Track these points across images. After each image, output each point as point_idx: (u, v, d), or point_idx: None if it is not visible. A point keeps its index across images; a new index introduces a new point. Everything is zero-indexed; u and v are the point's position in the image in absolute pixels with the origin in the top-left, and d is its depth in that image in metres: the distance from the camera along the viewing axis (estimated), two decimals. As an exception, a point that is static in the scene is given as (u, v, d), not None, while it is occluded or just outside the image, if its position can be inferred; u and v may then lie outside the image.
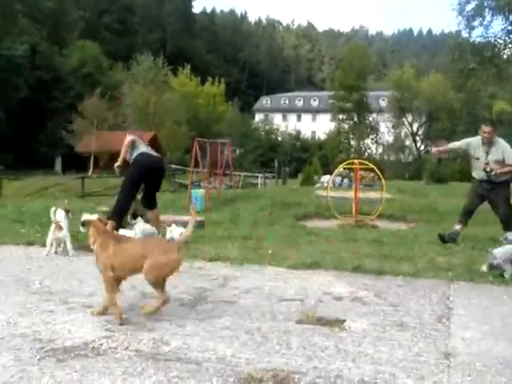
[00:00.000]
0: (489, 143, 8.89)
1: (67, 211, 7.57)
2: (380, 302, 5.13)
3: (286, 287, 5.62)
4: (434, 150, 10.28)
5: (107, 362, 3.51)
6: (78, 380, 3.23)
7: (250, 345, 3.87)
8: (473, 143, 9.23)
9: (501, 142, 8.97)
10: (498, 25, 18.26)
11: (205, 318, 4.45)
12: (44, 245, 7.59)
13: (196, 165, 19.36)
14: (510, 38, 18.17)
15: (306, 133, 79.26)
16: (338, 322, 4.42)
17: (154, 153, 8.78)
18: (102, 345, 3.81)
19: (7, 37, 58.56)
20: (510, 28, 17.87)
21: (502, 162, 8.77)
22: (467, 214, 9.26)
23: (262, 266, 6.54)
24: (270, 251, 7.25)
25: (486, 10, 17.81)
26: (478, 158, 9.06)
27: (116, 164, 8.65)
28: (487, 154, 8.89)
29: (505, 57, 18.91)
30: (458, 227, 9.09)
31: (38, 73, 63.98)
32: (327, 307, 4.87)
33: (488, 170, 8.82)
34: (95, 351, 3.70)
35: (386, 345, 3.93)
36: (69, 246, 7.31)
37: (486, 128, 8.87)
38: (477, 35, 18.70)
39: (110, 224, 6.64)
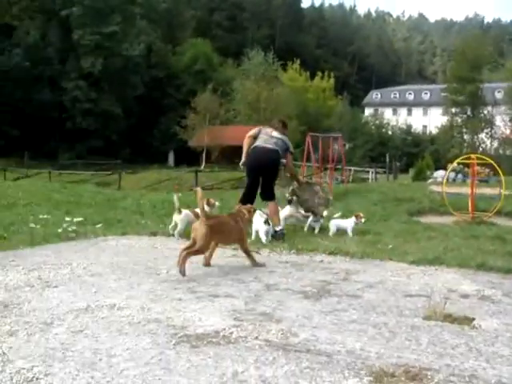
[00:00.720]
0: None
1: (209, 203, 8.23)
2: (510, 301, 4.94)
3: (410, 282, 5.55)
4: None
5: (239, 350, 3.61)
6: (213, 366, 3.34)
7: (378, 339, 3.85)
8: None
9: None
10: None
11: (331, 311, 4.47)
12: (169, 234, 8.05)
13: (308, 159, 19.44)
14: None
15: (417, 127, 77.40)
16: (468, 320, 4.31)
17: (268, 145, 8.80)
18: (232, 333, 3.92)
19: (126, 38, 61.27)
20: None
21: None
22: None
23: (383, 261, 6.48)
24: (390, 246, 7.17)
25: None
26: None
27: (240, 162, 8.91)
28: None
29: None
30: None
31: (153, 71, 66.56)
32: (454, 304, 4.76)
33: None
34: (226, 339, 3.81)
35: (522, 346, 3.79)
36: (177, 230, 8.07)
37: None
38: None
39: None
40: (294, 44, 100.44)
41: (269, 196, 8.70)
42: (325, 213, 9.09)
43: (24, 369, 3.28)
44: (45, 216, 10.58)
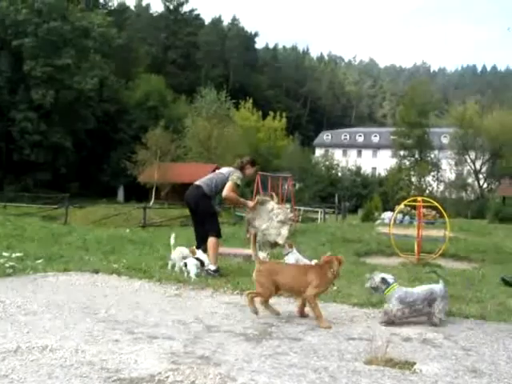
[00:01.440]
0: None
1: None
2: (451, 344, 4.94)
3: (353, 325, 5.50)
4: None
5: (174, 395, 3.48)
6: (146, 412, 3.21)
7: (317, 384, 3.77)
8: None
9: None
10: None
11: (271, 355, 4.37)
12: (108, 273, 7.80)
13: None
14: None
15: (367, 169, 78.70)
16: (408, 365, 4.27)
17: (196, 182, 8.85)
18: (168, 377, 3.77)
19: (79, 71, 60.88)
20: None
21: None
22: None
23: (326, 303, 6.42)
24: (334, 287, 7.12)
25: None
26: None
27: None
28: None
29: None
30: None
31: (106, 105, 66.16)
32: (396, 348, 4.72)
33: None
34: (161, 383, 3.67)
35: (460, 391, 3.77)
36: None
37: None
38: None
39: None
40: (247, 84, 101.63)
41: (207, 232, 8.57)
42: (285, 231, 8.55)
43: None
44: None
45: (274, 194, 9.22)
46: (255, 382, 3.73)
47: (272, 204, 8.66)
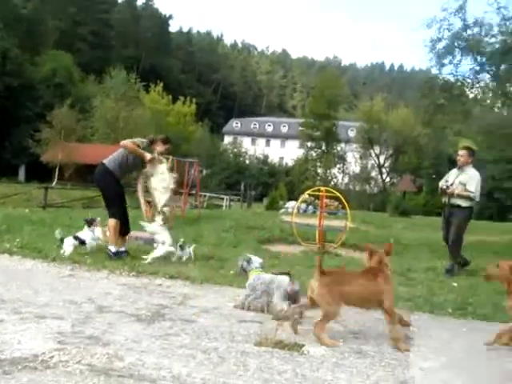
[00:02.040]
0: (461, 168, 9.23)
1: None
2: (340, 328, 5.09)
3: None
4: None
5: (57, 375, 3.39)
6: (24, 393, 3.11)
7: (206, 365, 3.78)
8: (452, 171, 9.72)
9: (472, 170, 9.32)
10: (466, 64, 18.66)
11: (161, 336, 4.36)
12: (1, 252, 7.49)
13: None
14: (477, 78, 18.55)
15: (274, 158, 79.47)
16: (297, 347, 4.36)
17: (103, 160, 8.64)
18: (52, 357, 3.68)
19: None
20: (477, 68, 18.24)
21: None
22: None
23: (222, 287, 6.46)
24: (231, 272, 7.16)
25: (456, 49, 18.19)
26: (446, 181, 9.39)
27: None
28: (456, 178, 9.20)
29: (471, 96, 19.32)
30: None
31: (8, 79, 63.14)
32: (287, 331, 4.81)
33: (445, 187, 9.19)
34: (44, 364, 3.57)
35: (345, 372, 3.89)
36: None
37: (460, 151, 9.34)
38: (447, 73, 19.07)
39: None
40: (159, 67, 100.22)
41: (109, 212, 8.42)
42: (164, 199, 8.55)
43: None
44: None
45: (170, 158, 8.97)
46: (143, 362, 3.71)
47: (163, 167, 8.58)
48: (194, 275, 6.85)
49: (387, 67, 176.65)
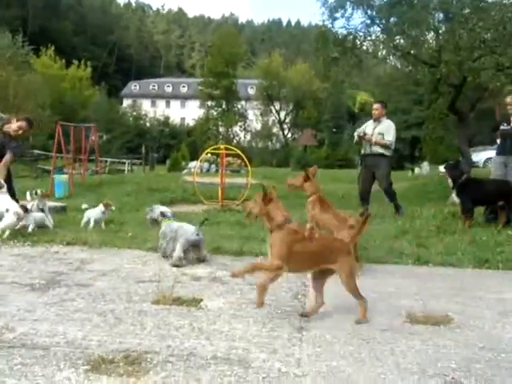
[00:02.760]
0: (377, 120, 9.72)
1: None
2: (238, 281, 5.16)
3: (144, 269, 5.55)
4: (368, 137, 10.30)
5: None
6: None
7: (102, 327, 3.76)
8: (368, 123, 10.31)
9: (388, 121, 9.92)
10: (358, 18, 19.06)
11: (56, 302, 4.28)
12: None
13: (59, 150, 18.70)
14: (368, 31, 18.93)
15: (175, 119, 78.56)
16: (195, 302, 4.41)
17: None
18: None
19: None
20: (368, 22, 18.59)
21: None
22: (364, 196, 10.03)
23: (121, 249, 6.40)
24: (129, 234, 7.11)
25: (348, 2, 18.43)
26: (365, 134, 9.81)
27: None
28: (374, 129, 9.66)
29: (364, 48, 19.71)
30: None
31: None
32: (185, 287, 4.85)
33: (362, 134, 9.64)
34: None
35: (241, 322, 3.97)
36: None
37: (375, 105, 9.97)
38: (339, 26, 19.37)
39: None
40: (49, 29, 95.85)
41: None
42: None
43: None
44: None
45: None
46: (36, 331, 3.64)
47: None
48: (91, 240, 6.75)
49: (284, 23, 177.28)
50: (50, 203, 9.83)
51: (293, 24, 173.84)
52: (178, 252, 5.70)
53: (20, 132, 8.25)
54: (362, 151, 10.41)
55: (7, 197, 7.47)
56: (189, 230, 5.88)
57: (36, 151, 38.55)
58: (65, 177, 16.80)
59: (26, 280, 4.98)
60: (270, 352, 3.41)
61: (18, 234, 7.15)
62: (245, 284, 5.06)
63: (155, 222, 6.02)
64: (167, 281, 5.00)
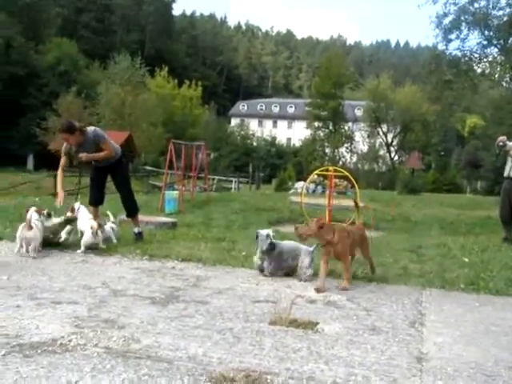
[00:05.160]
0: None
1: (39, 212, 7.23)
2: (353, 306, 5.11)
3: (259, 289, 5.59)
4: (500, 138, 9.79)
5: (75, 358, 3.44)
6: (45, 376, 3.15)
7: (221, 344, 3.82)
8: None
9: None
10: (473, 39, 18.54)
11: (176, 317, 4.39)
12: (13, 241, 7.48)
13: (170, 167, 19.28)
14: (484, 52, 18.46)
15: (282, 139, 79.39)
16: (311, 325, 4.39)
17: None
18: (70, 341, 3.73)
19: (-19, 31, 57.80)
20: (484, 42, 18.13)
21: None
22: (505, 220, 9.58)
23: (234, 268, 6.49)
24: (243, 253, 7.20)
25: (463, 23, 18.04)
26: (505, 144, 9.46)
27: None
28: None
29: (479, 71, 19.19)
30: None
31: (13, 68, 63.08)
32: (300, 310, 4.84)
33: (501, 144, 9.16)
34: (63, 347, 3.62)
35: (359, 348, 3.91)
36: (32, 246, 6.75)
37: None
38: (453, 48, 18.97)
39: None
40: (164, 51, 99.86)
41: None
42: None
43: None
44: None
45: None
46: (159, 344, 3.75)
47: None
48: (205, 257, 6.89)
49: (393, 45, 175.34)
50: (161, 219, 10.18)
51: (401, 45, 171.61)
52: (310, 270, 6.13)
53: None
54: (505, 174, 9.78)
55: (86, 213, 7.75)
56: (306, 248, 6.22)
57: (148, 167, 39.93)
58: (175, 193, 17.27)
59: (147, 293, 5.14)
60: (390, 381, 3.34)
61: (137, 248, 7.41)
62: (360, 310, 4.99)
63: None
64: (283, 302, 5.02)
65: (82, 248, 7.10)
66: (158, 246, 7.54)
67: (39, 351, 3.53)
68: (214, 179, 37.36)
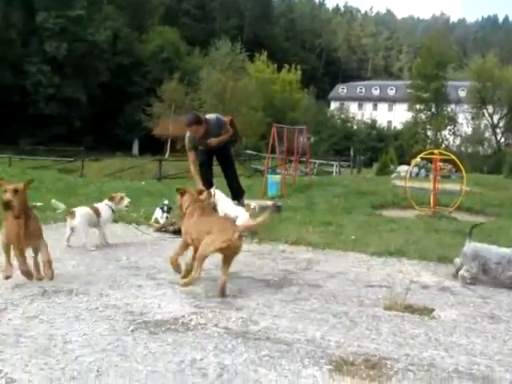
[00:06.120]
0: None
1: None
2: (469, 293, 4.99)
3: (371, 273, 5.55)
4: None
5: (198, 337, 3.56)
6: (171, 352, 3.29)
7: (338, 328, 3.83)
8: None
9: None
10: None
11: (292, 300, 4.45)
12: (127, 222, 7.87)
13: (272, 151, 19.40)
14: None
15: (382, 122, 77.93)
16: (427, 311, 4.33)
17: None
18: (191, 320, 3.86)
19: (92, 23, 60.31)
20: None
21: None
22: None
23: (344, 252, 6.48)
24: (352, 237, 7.17)
25: None
26: None
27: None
28: None
29: None
30: None
31: (119, 58, 65.57)
32: (415, 295, 4.78)
33: None
34: (185, 326, 3.76)
35: (479, 336, 3.82)
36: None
37: None
38: None
39: (206, 193, 5.96)
40: (262, 35, 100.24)
41: None
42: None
43: (-26, 355, 3.18)
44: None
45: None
46: (277, 326, 3.81)
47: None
48: (315, 241, 6.91)
49: (500, 20, 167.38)
50: (265, 202, 10.21)
51: (510, 20, 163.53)
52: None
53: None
54: None
55: (224, 196, 7.81)
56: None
57: (249, 151, 40.39)
58: (278, 177, 17.37)
59: (260, 276, 5.23)
60: (516, 373, 3.24)
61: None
62: (476, 297, 4.86)
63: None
64: (396, 287, 4.97)
65: None
66: (266, 229, 7.62)
67: (163, 329, 3.69)
68: (314, 163, 37.28)
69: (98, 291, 4.50)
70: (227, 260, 4.58)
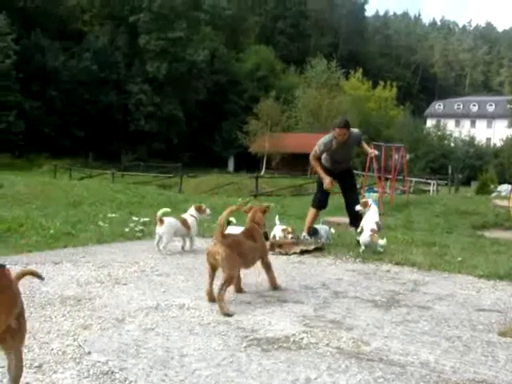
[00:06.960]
0: None
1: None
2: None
3: (481, 297, 5.39)
4: None
5: (310, 356, 3.59)
6: (285, 370, 3.33)
7: (452, 353, 3.76)
8: None
9: None
10: None
11: (401, 322, 4.40)
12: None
13: (369, 168, 19.26)
14: None
15: (481, 139, 75.50)
16: (546, 340, 4.17)
17: None
18: (302, 339, 3.90)
19: (191, 44, 62.34)
20: None
21: None
22: None
23: (451, 273, 6.34)
24: (458, 259, 7.00)
25: None
26: None
27: None
28: None
29: None
30: None
31: (216, 76, 67.21)
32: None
33: None
34: (297, 345, 3.80)
35: None
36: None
37: None
38: None
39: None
40: (357, 52, 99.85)
41: None
42: None
43: (99, 362, 3.36)
44: (112, 215, 10.80)
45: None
46: (388, 348, 3.79)
47: None
48: (420, 261, 6.80)
49: None
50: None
51: None
52: None
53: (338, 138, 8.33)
54: None
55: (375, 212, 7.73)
56: None
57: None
58: (376, 195, 17.24)
59: (367, 296, 5.20)
60: None
61: (349, 250, 7.51)
62: None
63: None
64: (510, 312, 4.82)
65: (362, 247, 7.32)
66: (367, 248, 7.57)
67: (275, 346, 3.74)
68: (411, 181, 36.61)
69: (208, 306, 4.63)
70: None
